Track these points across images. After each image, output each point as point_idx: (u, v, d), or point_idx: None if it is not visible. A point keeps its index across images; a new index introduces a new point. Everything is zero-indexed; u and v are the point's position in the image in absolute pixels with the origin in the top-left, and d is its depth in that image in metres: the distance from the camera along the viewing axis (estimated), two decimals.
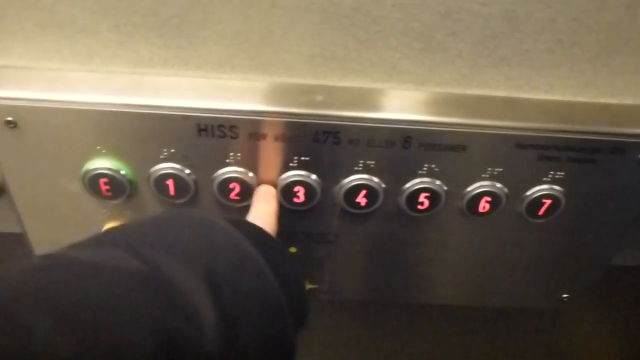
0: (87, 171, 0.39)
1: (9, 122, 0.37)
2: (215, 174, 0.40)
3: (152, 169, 0.39)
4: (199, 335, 0.23)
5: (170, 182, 0.40)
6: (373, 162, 0.39)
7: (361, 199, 0.41)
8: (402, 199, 0.41)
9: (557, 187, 0.40)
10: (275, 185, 0.40)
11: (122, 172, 0.39)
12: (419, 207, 0.41)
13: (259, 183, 0.40)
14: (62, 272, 0.23)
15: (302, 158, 0.39)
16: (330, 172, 0.40)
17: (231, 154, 0.39)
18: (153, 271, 0.24)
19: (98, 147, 0.38)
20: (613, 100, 0.39)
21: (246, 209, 0.41)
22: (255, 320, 0.26)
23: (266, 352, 0.27)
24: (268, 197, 0.40)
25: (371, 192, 0.40)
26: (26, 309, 0.20)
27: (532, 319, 0.60)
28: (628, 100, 0.39)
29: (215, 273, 0.26)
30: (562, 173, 0.39)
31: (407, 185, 0.40)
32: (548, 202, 0.41)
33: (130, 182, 0.40)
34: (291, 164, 0.39)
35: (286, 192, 0.40)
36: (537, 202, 0.41)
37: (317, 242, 0.44)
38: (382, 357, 0.65)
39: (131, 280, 0.23)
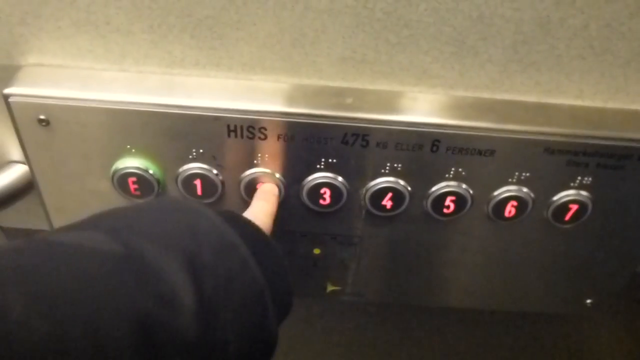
0: (117, 170, 0.39)
1: (41, 121, 0.37)
2: (243, 175, 0.40)
3: (181, 169, 0.40)
4: (176, 319, 0.23)
5: (197, 182, 0.40)
6: (400, 165, 0.39)
7: (387, 202, 0.41)
8: (428, 203, 0.41)
9: (584, 193, 0.40)
10: (302, 187, 0.40)
11: (151, 171, 0.39)
12: (445, 210, 0.41)
13: (286, 185, 0.40)
14: (40, 253, 0.23)
15: (330, 160, 0.39)
16: (357, 175, 0.40)
17: (259, 154, 0.39)
18: (133, 255, 0.24)
19: (128, 147, 0.39)
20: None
21: None
22: (235, 307, 0.27)
23: (247, 339, 0.27)
24: (268, 195, 0.39)
25: (397, 195, 0.40)
26: (2, 290, 0.20)
27: (555, 324, 0.59)
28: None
29: (197, 259, 0.26)
30: (590, 179, 0.39)
31: (434, 188, 0.40)
32: (575, 207, 0.41)
33: (159, 182, 0.40)
34: (318, 166, 0.40)
35: (312, 194, 0.41)
36: (564, 207, 0.41)
37: (342, 244, 0.44)
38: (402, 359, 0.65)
39: (110, 263, 0.23)
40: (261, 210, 0.38)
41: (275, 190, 0.40)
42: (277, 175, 0.40)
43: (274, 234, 0.43)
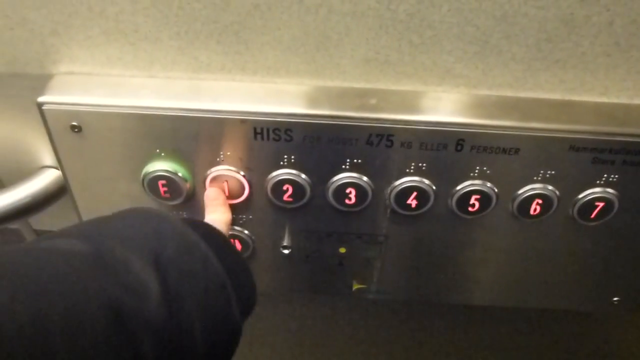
0: (147, 173, 0.40)
1: (74, 127, 0.39)
2: (270, 176, 0.41)
3: (209, 171, 0.40)
4: (144, 305, 0.27)
5: (225, 184, 0.41)
6: (425, 164, 0.40)
7: (412, 201, 0.41)
8: (453, 201, 0.41)
9: (610, 190, 0.40)
10: (327, 187, 0.41)
11: (180, 174, 0.40)
12: (470, 209, 0.41)
13: (312, 185, 0.41)
14: (21, 255, 0.26)
15: (355, 160, 0.40)
16: (382, 174, 0.40)
17: (285, 156, 0.40)
18: (103, 253, 0.28)
19: (157, 150, 0.40)
20: None
21: (299, 210, 0.42)
22: (199, 297, 0.30)
23: (212, 328, 0.30)
24: (219, 207, 0.41)
25: (422, 194, 0.41)
26: None
27: (581, 322, 0.59)
28: None
29: (162, 256, 0.29)
30: (616, 176, 0.39)
31: (458, 187, 0.41)
32: (601, 205, 0.40)
33: (188, 184, 0.41)
34: (344, 166, 0.40)
35: (338, 194, 0.41)
36: (590, 205, 0.41)
37: (367, 242, 0.45)
38: (426, 356, 0.65)
39: (83, 260, 0.27)
40: (217, 220, 0.40)
41: (222, 196, 0.41)
42: (303, 176, 0.40)
43: (301, 234, 0.44)
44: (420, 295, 0.49)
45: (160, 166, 0.40)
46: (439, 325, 0.62)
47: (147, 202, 0.42)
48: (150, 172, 0.40)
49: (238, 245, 0.46)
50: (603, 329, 0.61)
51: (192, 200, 0.42)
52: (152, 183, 0.41)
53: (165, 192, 0.41)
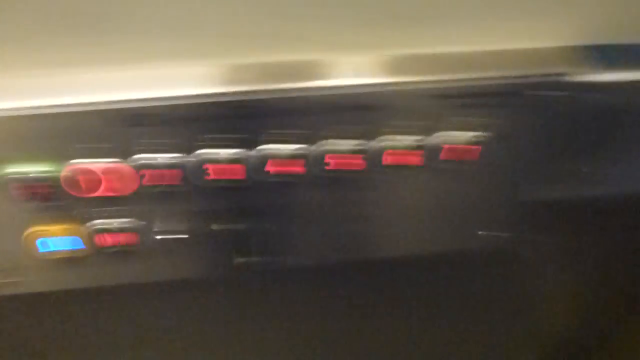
0: (2, 176, 0.38)
1: None
2: (137, 164, 0.39)
3: (67, 165, 0.38)
4: None
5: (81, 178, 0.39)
6: (285, 131, 0.40)
7: (273, 168, 0.41)
8: (322, 163, 0.41)
9: (481, 133, 0.42)
10: (190, 167, 0.40)
11: (38, 173, 0.38)
12: (353, 168, 0.42)
13: (178, 166, 0.40)
14: None
15: (212, 135, 0.39)
16: (243, 145, 0.40)
17: (148, 141, 0.38)
18: None
19: (15, 153, 0.37)
20: (518, 46, 0.41)
21: (174, 194, 0.41)
22: None
23: None
24: None
25: (303, 160, 0.41)
26: None
27: (493, 262, 0.60)
28: (525, 45, 0.41)
29: None
30: (483, 119, 0.41)
31: (328, 148, 0.41)
32: (474, 147, 0.42)
33: (47, 183, 0.39)
34: (230, 143, 0.39)
35: (195, 171, 0.40)
36: (463, 149, 0.42)
37: (265, 215, 0.45)
38: (355, 318, 0.65)
39: None
40: None
41: None
42: (167, 157, 0.39)
43: (180, 216, 0.43)
44: (330, 258, 0.49)
45: (16, 168, 0.38)
46: (358, 288, 0.61)
47: (8, 206, 0.40)
48: (6, 174, 0.38)
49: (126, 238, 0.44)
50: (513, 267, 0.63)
51: (54, 200, 0.40)
52: (9, 186, 0.38)
53: (24, 194, 0.39)
